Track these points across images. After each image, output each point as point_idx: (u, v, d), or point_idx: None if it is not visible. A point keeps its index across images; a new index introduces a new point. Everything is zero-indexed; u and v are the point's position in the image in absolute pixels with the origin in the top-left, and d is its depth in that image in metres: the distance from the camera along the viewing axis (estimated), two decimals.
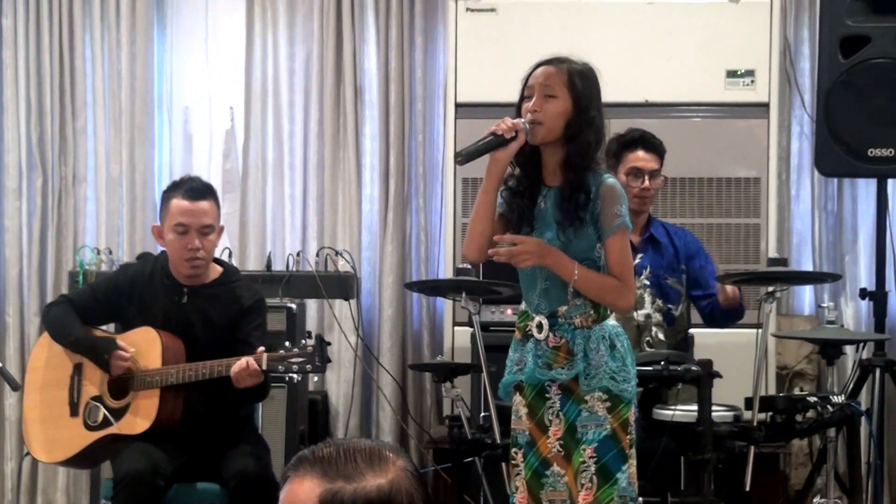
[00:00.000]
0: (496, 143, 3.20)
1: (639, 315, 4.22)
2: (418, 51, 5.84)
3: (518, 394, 3.32)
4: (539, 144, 3.28)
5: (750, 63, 5.17)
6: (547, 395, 3.28)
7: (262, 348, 3.79)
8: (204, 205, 3.95)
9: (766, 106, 5.17)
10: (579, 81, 3.27)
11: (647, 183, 4.29)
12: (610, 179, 3.29)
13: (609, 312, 3.30)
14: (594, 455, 3.20)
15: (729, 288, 4.18)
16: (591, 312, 3.26)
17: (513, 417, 3.35)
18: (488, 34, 5.24)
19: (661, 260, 4.36)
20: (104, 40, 5.92)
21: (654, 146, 4.36)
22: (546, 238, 3.25)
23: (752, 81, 5.17)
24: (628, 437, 3.26)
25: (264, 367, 3.75)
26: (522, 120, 3.22)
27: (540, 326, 3.26)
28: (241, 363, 3.73)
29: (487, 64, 5.22)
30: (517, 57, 5.20)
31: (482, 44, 5.24)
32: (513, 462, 3.33)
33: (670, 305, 4.32)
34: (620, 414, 3.25)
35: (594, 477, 3.20)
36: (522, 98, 3.32)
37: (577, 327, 3.25)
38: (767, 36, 5.16)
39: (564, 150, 3.27)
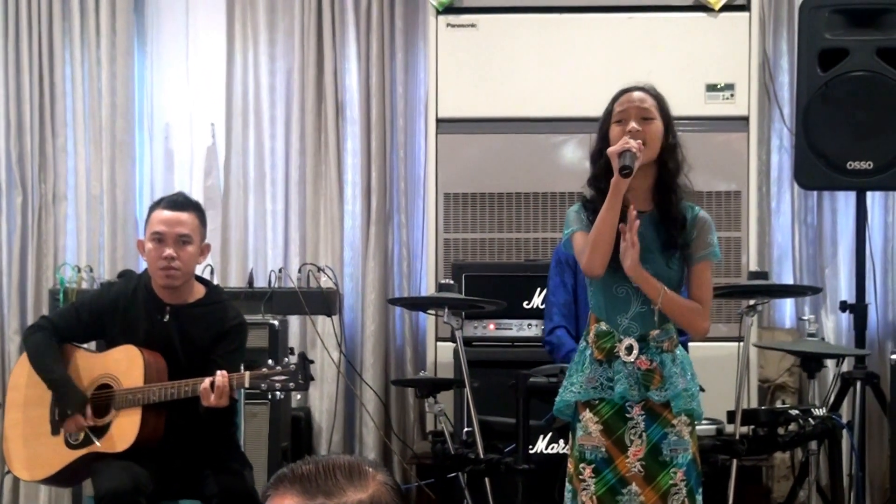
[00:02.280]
0: (634, 157, 3.20)
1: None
2: (399, 67, 5.85)
3: (588, 410, 3.34)
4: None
5: (729, 77, 5.19)
6: (628, 416, 3.30)
7: (245, 372, 3.76)
8: (183, 215, 3.95)
9: (745, 119, 5.19)
10: (665, 105, 3.37)
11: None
12: (703, 212, 3.41)
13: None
14: (685, 478, 3.29)
15: None
16: (675, 338, 3.37)
17: (579, 433, 3.36)
18: (469, 50, 5.25)
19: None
20: (84, 58, 5.91)
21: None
22: (651, 264, 3.30)
23: (732, 95, 5.19)
24: (699, 458, 3.38)
25: (247, 386, 3.75)
26: (635, 142, 3.24)
27: (630, 349, 3.31)
28: (206, 384, 3.72)
29: (468, 79, 5.24)
30: (498, 72, 5.28)
31: (463, 59, 5.25)
32: (580, 478, 3.34)
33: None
34: (696, 437, 3.39)
35: (685, 500, 3.30)
36: (609, 125, 3.33)
37: (664, 351, 3.31)
38: (747, 50, 5.19)
39: (656, 173, 3.31)
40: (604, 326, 3.36)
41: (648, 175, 3.33)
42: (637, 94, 3.35)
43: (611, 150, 3.24)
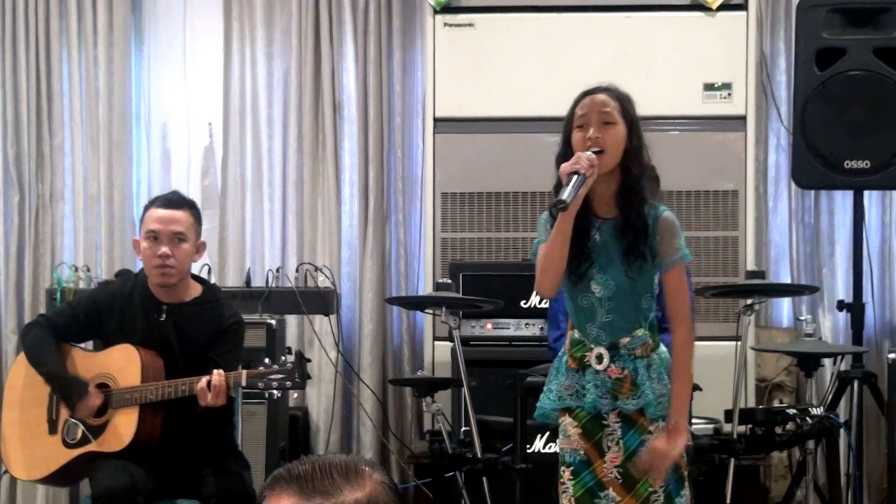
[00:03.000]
0: (583, 181, 3.13)
1: None
2: (397, 66, 5.85)
3: (567, 415, 3.32)
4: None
5: (727, 76, 5.19)
6: (605, 423, 3.28)
7: (241, 371, 3.76)
8: (177, 213, 3.95)
9: (743, 119, 5.18)
10: (629, 107, 3.28)
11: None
12: (667, 212, 3.29)
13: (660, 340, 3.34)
14: (663, 484, 3.25)
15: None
16: (650, 342, 3.28)
17: (560, 437, 3.35)
18: (466, 49, 5.25)
19: None
20: (81, 58, 5.91)
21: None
22: (612, 273, 3.24)
23: (730, 94, 5.19)
24: (684, 462, 3.31)
25: (244, 385, 3.74)
26: (588, 153, 3.18)
27: (600, 358, 3.27)
28: (203, 383, 3.71)
29: (466, 79, 5.24)
30: (495, 72, 5.27)
31: (460, 59, 5.25)
32: (560, 480, 3.33)
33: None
34: None
35: None
36: (571, 129, 3.28)
37: (637, 357, 3.26)
38: (744, 49, 5.18)
39: (619, 179, 3.25)
40: (576, 335, 3.33)
41: (612, 181, 3.26)
42: (599, 98, 3.26)
43: (562, 169, 3.18)
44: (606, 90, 3.28)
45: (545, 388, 3.37)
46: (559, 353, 3.39)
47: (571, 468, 3.30)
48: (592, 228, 3.26)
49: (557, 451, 3.38)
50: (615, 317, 3.26)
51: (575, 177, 3.12)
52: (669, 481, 3.26)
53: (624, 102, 3.28)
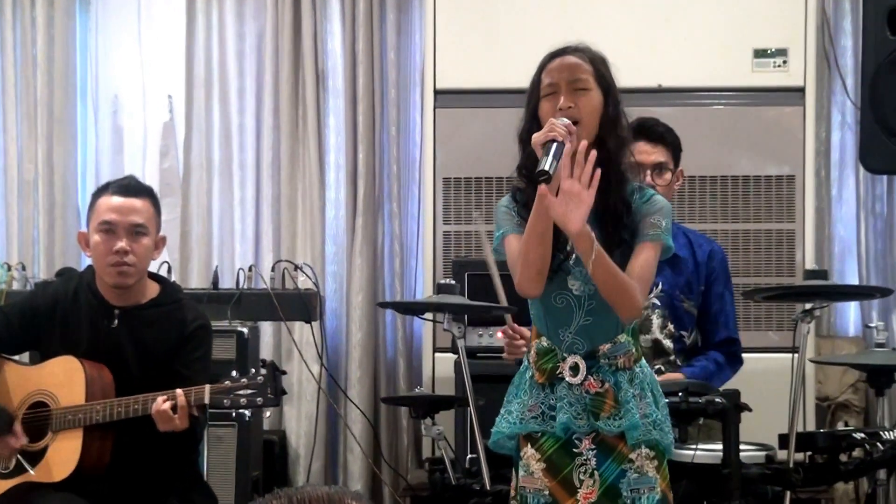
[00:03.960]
0: (562, 149, 3.11)
1: (644, 340, 4.20)
2: (391, 29, 5.85)
3: (529, 445, 3.29)
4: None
5: (782, 41, 5.19)
6: (576, 450, 3.24)
7: (204, 385, 3.76)
8: (136, 202, 3.95)
9: (801, 91, 5.19)
10: (605, 70, 3.28)
11: (649, 179, 4.20)
12: (657, 195, 3.29)
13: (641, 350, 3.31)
14: None
15: None
16: (633, 351, 3.25)
17: (520, 473, 3.32)
18: (472, 9, 5.26)
19: (678, 277, 4.30)
20: (16, 19, 5.92)
21: (657, 134, 4.27)
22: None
23: (785, 62, 5.19)
24: (671, 496, 3.28)
25: (207, 402, 3.73)
26: (562, 119, 3.18)
27: (575, 368, 3.24)
28: (159, 402, 3.70)
29: (471, 44, 5.24)
30: (506, 36, 5.26)
31: (466, 21, 5.25)
32: None
33: (682, 332, 4.30)
34: (665, 472, 3.27)
35: None
36: (538, 98, 3.28)
37: (619, 369, 3.23)
38: (802, 9, 5.19)
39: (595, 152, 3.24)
40: (545, 343, 3.31)
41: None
42: (569, 61, 3.24)
43: (535, 139, 3.17)
44: (577, 50, 3.28)
45: (503, 410, 3.33)
46: (520, 369, 3.36)
47: None
48: None
49: (518, 490, 3.34)
50: (595, 319, 3.23)
51: (554, 145, 3.11)
52: None
53: (598, 65, 3.27)
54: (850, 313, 5.77)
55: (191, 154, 5.91)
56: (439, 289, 4.27)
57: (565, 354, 3.25)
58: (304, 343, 5.52)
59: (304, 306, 5.15)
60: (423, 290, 5.43)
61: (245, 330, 4.89)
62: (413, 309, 4.82)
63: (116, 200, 3.95)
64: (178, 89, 5.98)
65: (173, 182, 5.96)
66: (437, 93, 5.28)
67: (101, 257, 3.94)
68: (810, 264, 5.02)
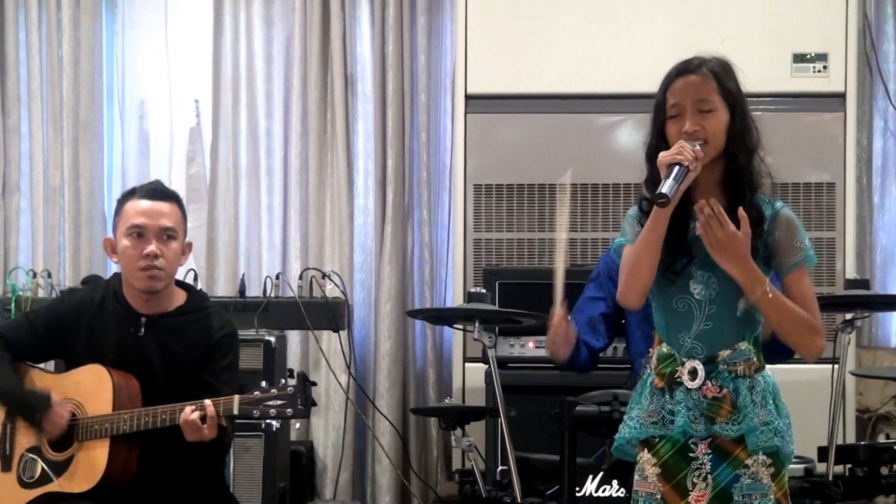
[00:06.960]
0: (685, 174, 3.17)
1: None
2: (421, 32, 5.86)
3: (645, 451, 3.33)
4: None
5: (822, 45, 5.18)
6: (692, 454, 3.29)
7: (233, 395, 3.78)
8: (164, 206, 3.97)
9: (841, 96, 5.18)
10: (728, 82, 3.32)
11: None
12: (786, 208, 3.35)
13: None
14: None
15: None
16: (755, 360, 3.29)
17: (635, 477, 3.36)
18: (505, 13, 5.26)
19: None
20: (42, 21, 5.94)
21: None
22: (716, 270, 3.25)
23: (825, 67, 5.18)
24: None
25: (235, 413, 3.75)
26: (693, 144, 3.22)
27: (694, 373, 3.28)
28: (187, 412, 3.72)
29: (504, 48, 5.24)
30: (539, 40, 5.26)
31: (497, 25, 5.26)
32: None
33: None
34: (783, 482, 3.29)
35: None
36: (664, 118, 3.32)
37: (738, 376, 3.27)
38: (843, 13, 5.18)
39: (724, 165, 3.30)
40: (665, 349, 3.35)
41: (715, 168, 3.31)
42: (692, 81, 3.28)
43: (661, 159, 3.23)
44: (700, 67, 3.31)
45: (625, 416, 3.39)
46: (642, 376, 3.41)
47: None
48: (692, 219, 3.29)
49: (632, 493, 3.39)
50: (715, 324, 3.28)
51: (676, 168, 3.17)
52: None
53: (722, 79, 3.31)
54: (892, 324, 5.75)
55: (218, 160, 5.94)
56: (470, 297, 4.29)
57: (684, 359, 3.29)
58: (332, 352, 5.53)
59: (331, 315, 5.16)
60: (453, 299, 5.43)
61: (272, 339, 4.91)
62: (443, 317, 4.83)
63: (145, 204, 3.97)
64: (205, 94, 6.01)
65: (200, 188, 5.98)
66: (468, 98, 5.29)
67: (131, 262, 3.95)
68: (851, 273, 5.00)
